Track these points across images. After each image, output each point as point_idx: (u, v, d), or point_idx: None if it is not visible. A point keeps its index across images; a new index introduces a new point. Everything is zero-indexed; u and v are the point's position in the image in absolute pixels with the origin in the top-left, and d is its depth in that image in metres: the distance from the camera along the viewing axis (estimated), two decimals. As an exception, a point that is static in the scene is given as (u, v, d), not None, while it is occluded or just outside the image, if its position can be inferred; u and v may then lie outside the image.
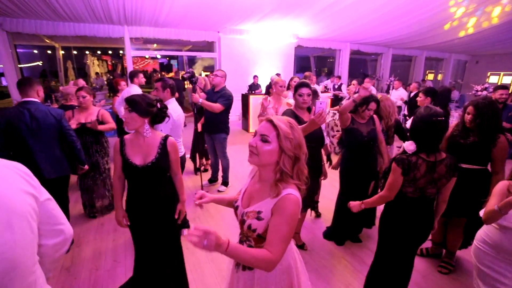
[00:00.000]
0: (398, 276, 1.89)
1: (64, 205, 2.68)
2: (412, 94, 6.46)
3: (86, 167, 2.77)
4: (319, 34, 8.92)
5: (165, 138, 1.78)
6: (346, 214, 2.72)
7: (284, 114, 2.31)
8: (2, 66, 6.53)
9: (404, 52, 11.70)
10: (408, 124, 3.18)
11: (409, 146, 1.65)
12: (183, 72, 7.17)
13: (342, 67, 10.71)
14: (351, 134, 2.54)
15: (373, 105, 2.49)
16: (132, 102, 1.66)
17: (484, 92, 6.89)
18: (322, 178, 2.61)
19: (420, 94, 3.13)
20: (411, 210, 1.75)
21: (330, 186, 3.74)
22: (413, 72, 12.73)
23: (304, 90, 2.26)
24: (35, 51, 13.82)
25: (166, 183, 1.87)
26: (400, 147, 3.43)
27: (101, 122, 3.09)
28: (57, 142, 2.53)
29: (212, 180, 4.11)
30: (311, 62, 14.25)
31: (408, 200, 1.73)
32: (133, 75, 4.29)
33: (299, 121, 2.25)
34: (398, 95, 7.01)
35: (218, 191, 3.88)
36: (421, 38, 9.03)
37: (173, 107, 2.58)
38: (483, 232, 1.64)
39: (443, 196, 1.75)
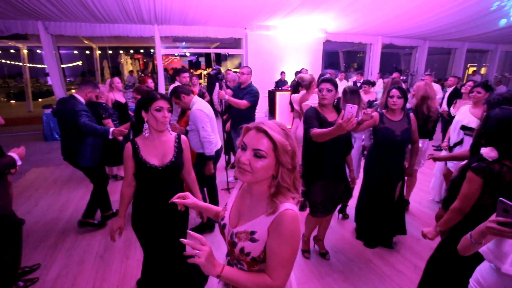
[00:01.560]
0: None
1: (99, 193, 3.02)
2: (449, 91, 5.98)
3: (113, 130, 2.66)
4: (349, 28, 8.60)
5: (179, 136, 1.77)
6: (366, 213, 2.62)
7: (306, 113, 2.21)
8: (47, 66, 7.07)
9: (443, 45, 10.91)
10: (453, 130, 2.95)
11: (490, 152, 1.44)
12: (210, 69, 7.28)
13: (373, 62, 10.25)
14: (381, 133, 2.41)
15: (395, 92, 2.35)
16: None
17: (536, 87, 6.22)
18: (352, 185, 2.46)
19: (479, 89, 2.79)
20: None
21: (358, 186, 3.60)
22: (452, 66, 11.83)
23: (324, 85, 2.13)
24: (75, 52, 14.83)
25: (180, 182, 1.86)
26: (438, 147, 3.17)
27: None
28: (75, 135, 2.75)
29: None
30: (340, 57, 13.82)
31: (487, 212, 1.45)
32: (175, 74, 4.10)
33: (323, 120, 2.12)
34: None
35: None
36: (463, 29, 8.35)
37: (201, 103, 2.62)
38: (479, 270, 1.34)
39: None
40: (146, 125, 1.64)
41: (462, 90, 3.97)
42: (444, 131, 5.63)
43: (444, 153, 3.13)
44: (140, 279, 2.17)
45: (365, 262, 2.50)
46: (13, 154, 1.97)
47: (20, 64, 9.85)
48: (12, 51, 11.97)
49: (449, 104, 5.48)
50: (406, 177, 2.75)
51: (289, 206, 0.90)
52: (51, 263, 2.50)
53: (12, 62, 13.34)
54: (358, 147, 3.09)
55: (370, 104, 4.85)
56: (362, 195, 2.71)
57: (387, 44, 10.16)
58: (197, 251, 0.86)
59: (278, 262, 0.89)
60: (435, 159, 2.49)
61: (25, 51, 9.41)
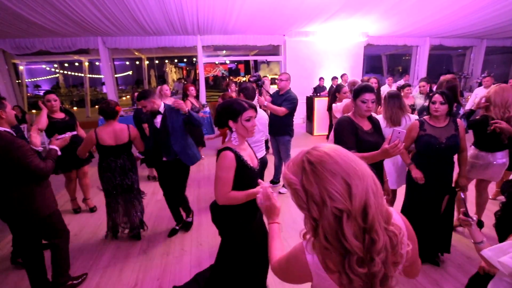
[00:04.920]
0: None
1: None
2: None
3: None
4: (392, 31, 8.20)
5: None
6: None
7: (339, 125, 2.03)
8: (103, 76, 7.87)
9: (505, 43, 9.81)
10: None
11: None
12: (249, 76, 7.44)
13: (420, 65, 9.60)
14: (423, 141, 2.24)
15: (437, 97, 2.17)
16: None
17: None
18: (385, 197, 2.31)
19: None
20: None
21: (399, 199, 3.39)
22: (516, 66, 10.56)
23: (369, 96, 1.94)
24: (127, 63, 16.24)
25: None
26: None
27: None
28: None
29: (274, 182, 4.16)
30: (383, 61, 13.17)
31: None
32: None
33: (358, 130, 1.99)
34: None
35: (280, 192, 3.90)
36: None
37: None
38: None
39: None
40: (234, 134, 1.64)
41: None
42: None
43: None
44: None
45: (407, 278, 2.33)
46: (54, 146, 2.13)
47: (82, 75, 11.10)
48: (76, 64, 13.52)
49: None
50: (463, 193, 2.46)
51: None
52: (102, 254, 2.76)
53: (75, 74, 15.06)
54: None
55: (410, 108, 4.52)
56: (406, 209, 2.51)
57: (436, 45, 9.46)
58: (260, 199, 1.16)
59: (279, 261, 0.96)
60: None
61: (86, 64, 10.57)
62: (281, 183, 4.09)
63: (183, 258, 2.66)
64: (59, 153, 2.13)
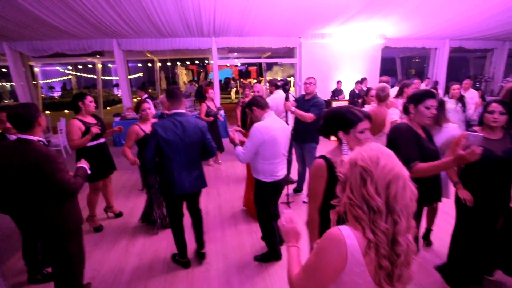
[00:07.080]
0: None
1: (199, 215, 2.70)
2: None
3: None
4: (411, 33, 7.96)
5: None
6: (464, 252, 2.21)
7: (399, 130, 1.88)
8: (118, 78, 7.83)
9: (529, 45, 9.47)
10: None
11: None
12: (261, 78, 7.27)
13: (439, 68, 9.31)
14: None
15: (496, 106, 1.95)
16: None
17: None
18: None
19: None
20: None
21: (443, 214, 3.15)
22: (539, 70, 10.18)
23: (433, 102, 1.85)
24: (140, 65, 16.33)
25: None
26: None
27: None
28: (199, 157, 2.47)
29: (297, 190, 3.99)
30: (397, 63, 12.88)
31: None
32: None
33: (421, 139, 1.87)
34: None
35: (304, 202, 3.73)
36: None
37: (270, 121, 2.33)
38: None
39: None
40: (345, 146, 1.45)
41: None
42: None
43: None
44: None
45: None
46: (82, 164, 2.03)
47: (94, 76, 11.12)
48: (89, 65, 13.62)
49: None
50: None
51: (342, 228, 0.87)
52: (124, 266, 2.64)
53: (88, 75, 15.18)
54: None
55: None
56: (458, 233, 2.26)
57: (455, 48, 9.18)
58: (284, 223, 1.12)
59: (304, 265, 0.95)
60: None
61: (100, 66, 10.59)
62: (305, 192, 3.92)
63: (209, 273, 2.52)
64: (89, 172, 2.05)
